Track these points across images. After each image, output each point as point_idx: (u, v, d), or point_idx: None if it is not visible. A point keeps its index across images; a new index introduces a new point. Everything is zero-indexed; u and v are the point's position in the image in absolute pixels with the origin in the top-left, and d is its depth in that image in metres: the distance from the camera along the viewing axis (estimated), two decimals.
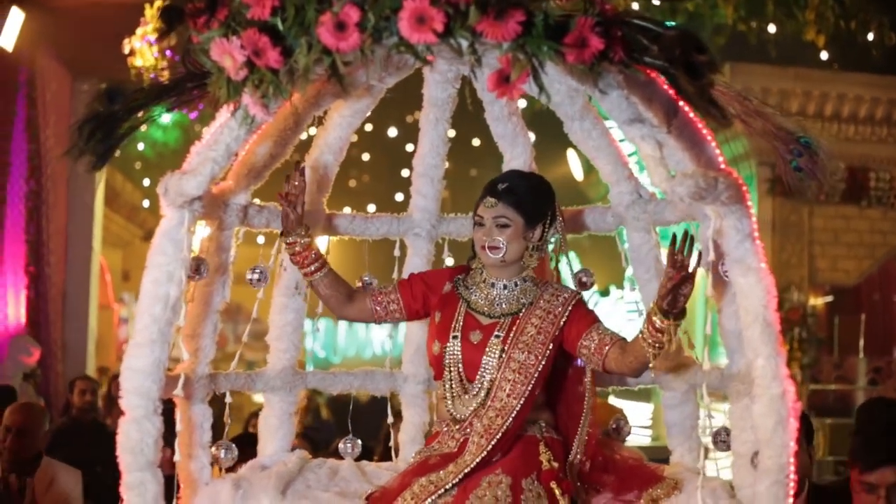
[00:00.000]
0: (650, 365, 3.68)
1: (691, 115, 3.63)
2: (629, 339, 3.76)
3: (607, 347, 3.78)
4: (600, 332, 3.83)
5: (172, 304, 3.68)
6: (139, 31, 11.45)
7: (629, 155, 4.41)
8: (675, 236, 3.49)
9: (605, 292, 17.66)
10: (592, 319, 3.89)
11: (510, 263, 3.92)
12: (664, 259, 4.22)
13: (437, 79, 4.32)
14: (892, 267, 16.85)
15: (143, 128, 3.54)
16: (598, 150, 4.29)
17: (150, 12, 11.38)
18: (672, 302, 3.51)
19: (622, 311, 15.87)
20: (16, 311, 12.38)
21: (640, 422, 14.86)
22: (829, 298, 16.18)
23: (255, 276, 4.24)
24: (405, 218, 4.56)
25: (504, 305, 3.93)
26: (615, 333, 3.84)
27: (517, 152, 4.47)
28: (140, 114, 3.47)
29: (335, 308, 4.08)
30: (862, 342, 15.45)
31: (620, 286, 16.58)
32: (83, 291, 14.51)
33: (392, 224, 4.54)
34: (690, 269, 3.47)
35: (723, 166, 3.69)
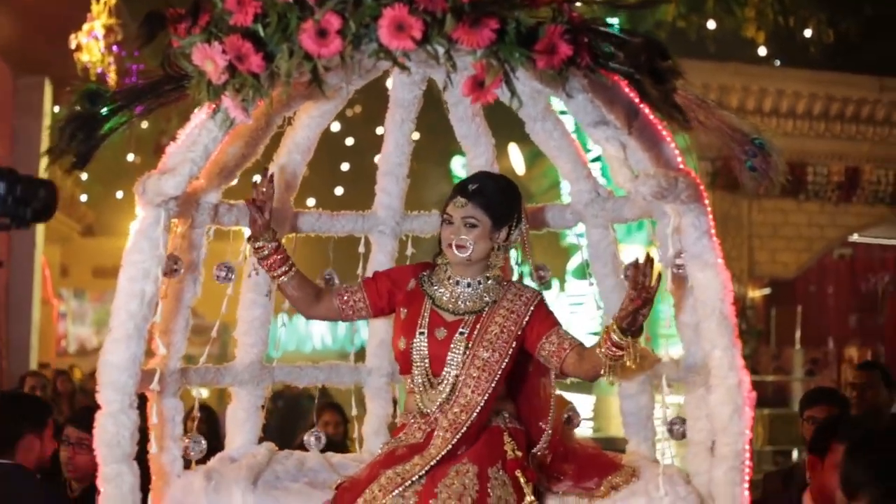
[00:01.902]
0: (605, 373, 3.74)
1: (651, 116, 3.73)
2: (586, 342, 3.89)
3: (566, 352, 3.88)
4: (560, 337, 3.92)
5: (148, 300, 3.73)
6: (86, 26, 11.38)
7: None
8: (636, 260, 3.56)
9: (547, 285, 17.76)
10: (553, 322, 3.97)
11: (475, 262, 3.97)
12: (622, 255, 4.37)
13: (405, 80, 4.38)
14: (827, 260, 17.16)
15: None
16: (559, 149, 4.39)
17: (97, 8, 11.34)
18: (632, 322, 3.59)
19: (564, 304, 16.05)
20: None
21: (582, 414, 14.91)
22: (767, 291, 16.42)
23: (223, 273, 4.25)
24: (370, 215, 4.62)
25: (468, 303, 3.99)
26: (574, 338, 3.93)
27: (479, 151, 4.57)
28: (120, 115, 3.54)
29: (303, 308, 4.11)
30: (798, 334, 15.74)
31: (561, 280, 16.74)
32: (26, 287, 14.40)
33: (357, 221, 4.60)
34: (651, 293, 3.55)
35: (681, 166, 3.82)
